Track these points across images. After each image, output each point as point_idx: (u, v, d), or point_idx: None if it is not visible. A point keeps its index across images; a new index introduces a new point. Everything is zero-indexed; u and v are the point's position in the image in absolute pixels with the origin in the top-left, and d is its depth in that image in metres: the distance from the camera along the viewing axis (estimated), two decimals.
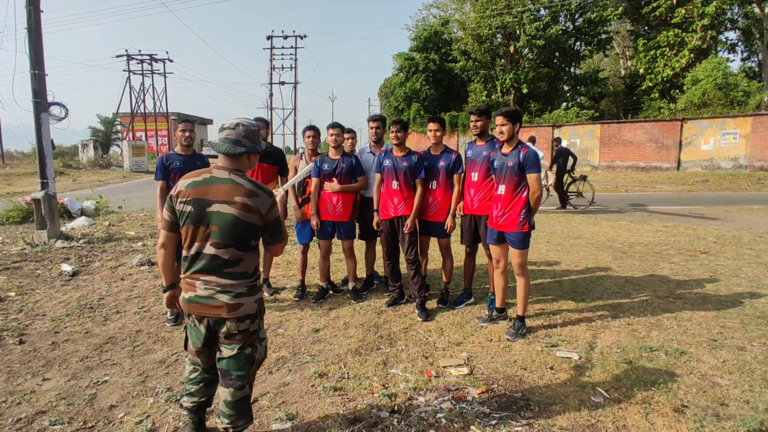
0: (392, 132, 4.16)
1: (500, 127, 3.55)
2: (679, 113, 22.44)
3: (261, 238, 2.23)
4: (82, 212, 10.10)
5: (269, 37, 37.88)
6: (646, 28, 28.35)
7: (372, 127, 4.61)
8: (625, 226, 8.69)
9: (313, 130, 4.56)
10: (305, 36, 38.01)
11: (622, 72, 34.45)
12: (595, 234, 7.93)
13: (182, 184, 2.14)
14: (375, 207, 4.35)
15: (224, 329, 2.12)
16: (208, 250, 2.09)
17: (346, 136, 5.05)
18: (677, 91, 24.70)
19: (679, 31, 24.67)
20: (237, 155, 2.15)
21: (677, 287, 4.93)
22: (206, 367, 2.31)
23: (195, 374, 2.34)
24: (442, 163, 4.20)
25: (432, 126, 4.18)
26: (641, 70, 27.07)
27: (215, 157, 2.20)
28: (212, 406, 2.55)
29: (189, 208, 2.09)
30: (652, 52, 26.02)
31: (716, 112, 20.98)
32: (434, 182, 4.21)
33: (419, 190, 4.15)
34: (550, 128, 24.61)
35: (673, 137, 20.98)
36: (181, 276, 2.20)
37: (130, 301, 4.74)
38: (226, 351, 2.15)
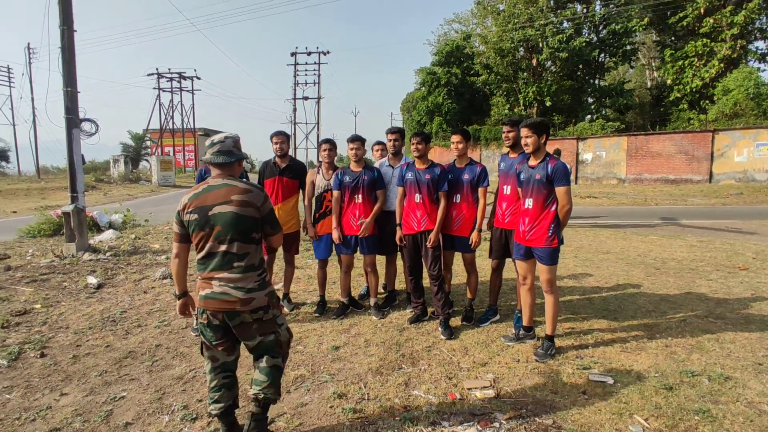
0: (413, 144, 4.07)
1: (525, 138, 3.42)
2: (709, 124, 21.77)
3: (263, 231, 2.46)
4: (110, 225, 10.32)
5: (293, 54, 38.69)
6: (672, 38, 27.83)
7: (390, 140, 4.55)
8: (657, 241, 8.35)
9: (329, 143, 4.52)
10: (328, 52, 38.72)
11: (649, 83, 33.79)
12: (624, 249, 7.63)
13: (185, 198, 2.39)
14: (398, 221, 4.25)
15: (238, 321, 2.33)
16: (216, 248, 2.33)
17: (375, 147, 5.09)
18: (707, 101, 24.04)
19: (708, 40, 24.09)
20: (229, 164, 2.44)
21: (717, 306, 4.65)
22: (228, 360, 2.47)
23: (215, 381, 2.45)
24: (466, 176, 4.08)
25: (455, 138, 4.09)
26: (669, 81, 26.49)
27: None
28: (240, 407, 2.64)
29: (194, 216, 2.33)
30: (680, 63, 25.45)
31: (749, 122, 20.28)
32: (458, 195, 4.09)
33: (442, 203, 4.03)
34: (574, 141, 24.20)
35: (704, 149, 20.32)
36: (199, 278, 2.41)
37: (152, 315, 4.74)
38: (250, 344, 2.40)
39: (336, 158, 4.77)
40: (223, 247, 2.31)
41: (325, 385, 3.17)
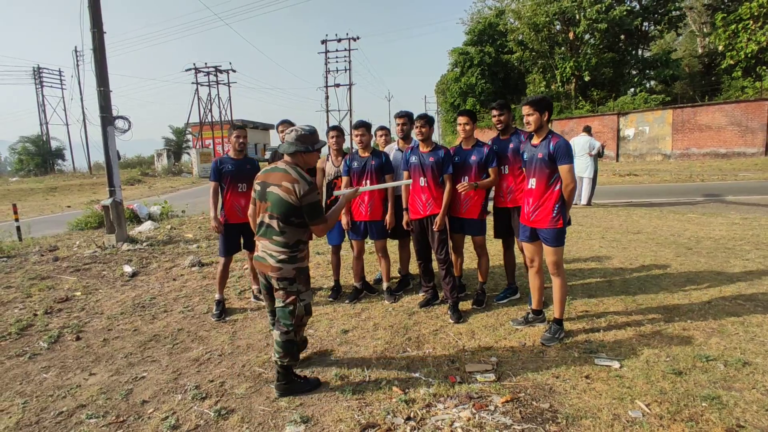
0: (417, 127, 4.04)
1: (527, 117, 3.32)
2: (765, 92, 20.16)
3: (304, 218, 2.84)
4: (150, 217, 10.87)
5: (323, 41, 38.77)
6: (725, 0, 25.74)
7: (399, 124, 4.53)
8: (695, 219, 7.91)
9: (336, 130, 4.57)
10: (358, 38, 38.51)
11: (699, 51, 31.53)
12: (657, 228, 7.28)
13: (262, 171, 3.00)
14: (404, 205, 4.26)
15: (272, 283, 2.89)
16: (265, 219, 2.87)
17: (378, 133, 5.04)
18: (764, 67, 22.20)
19: (765, 0, 22.13)
20: (291, 153, 2.91)
21: (749, 287, 4.38)
22: (271, 309, 3.14)
23: (269, 319, 3.30)
24: (473, 158, 4.02)
25: (462, 120, 4.02)
26: (721, 47, 24.64)
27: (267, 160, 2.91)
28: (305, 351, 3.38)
29: (258, 187, 2.93)
30: (733, 27, 23.56)
31: None
32: (465, 178, 4.03)
33: (448, 186, 3.99)
34: (615, 116, 23.10)
35: (760, 119, 18.87)
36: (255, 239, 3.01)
37: (178, 301, 4.99)
38: (277, 302, 2.92)
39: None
40: (268, 220, 2.84)
41: (329, 368, 3.26)
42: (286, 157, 2.93)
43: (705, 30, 29.74)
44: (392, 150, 4.65)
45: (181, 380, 3.24)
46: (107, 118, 7.85)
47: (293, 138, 2.90)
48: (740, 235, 6.51)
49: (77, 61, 34.55)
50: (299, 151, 2.89)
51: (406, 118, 4.50)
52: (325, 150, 4.14)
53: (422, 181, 4.06)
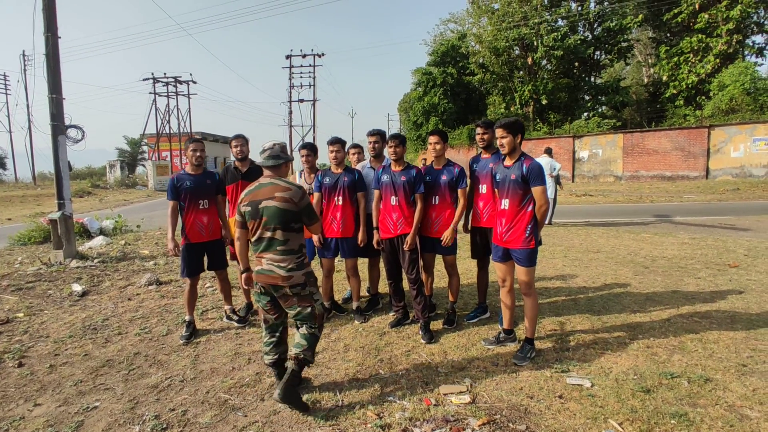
0: (391, 147, 4.03)
1: (501, 139, 3.38)
2: (705, 120, 21.71)
3: (302, 222, 3.02)
4: (101, 231, 10.28)
5: (288, 56, 38.63)
6: (668, 34, 27.76)
7: (371, 142, 4.52)
8: (649, 239, 8.30)
9: (307, 148, 4.51)
10: (323, 54, 38.63)
11: (645, 80, 33.71)
12: (615, 247, 7.58)
13: (243, 194, 3.04)
14: (374, 224, 4.22)
15: (281, 293, 2.95)
16: (264, 234, 2.94)
17: (352, 151, 5.01)
18: (703, 97, 23.98)
19: (703, 36, 24.03)
20: (277, 166, 3.04)
21: (703, 305, 4.60)
22: (276, 323, 3.13)
23: (267, 338, 3.15)
24: (444, 178, 4.05)
25: (433, 139, 4.05)
26: (664, 78, 26.42)
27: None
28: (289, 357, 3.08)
29: (248, 208, 2.97)
30: (675, 59, 25.40)
31: (745, 117, 20.20)
32: (436, 197, 4.06)
33: (419, 205, 3.99)
34: (570, 139, 24.15)
35: (701, 145, 20.27)
36: (254, 257, 3.04)
37: (134, 322, 4.70)
38: (291, 312, 3.02)
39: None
40: (269, 234, 2.93)
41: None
42: (268, 171, 3.05)
43: (650, 61, 31.90)
44: (364, 168, 4.62)
45: (138, 410, 3.01)
46: (59, 127, 7.42)
47: (278, 151, 3.07)
48: (690, 255, 6.87)
49: (24, 65, 32.84)
50: (285, 161, 3.06)
51: (378, 136, 4.49)
52: (296, 166, 4.07)
53: (393, 200, 4.04)
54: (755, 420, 2.62)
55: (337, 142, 4.32)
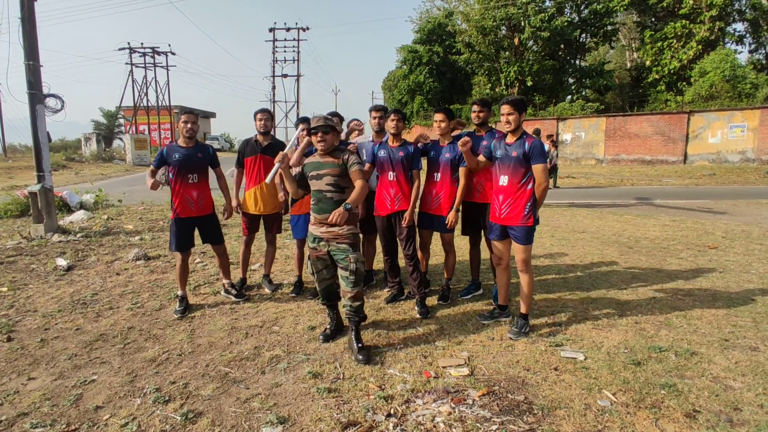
0: (392, 121, 4.01)
1: (507, 116, 3.39)
2: (686, 106, 22.13)
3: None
4: (81, 206, 10.00)
5: (272, 30, 37.62)
6: (653, 19, 27.94)
7: (375, 117, 4.45)
8: (631, 221, 8.52)
9: (306, 122, 4.43)
10: (308, 28, 37.75)
11: (629, 64, 34.01)
12: (600, 228, 7.76)
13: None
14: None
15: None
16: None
17: (352, 124, 4.96)
18: (684, 83, 24.37)
19: (687, 22, 24.29)
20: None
21: (686, 283, 4.78)
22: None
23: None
24: (447, 155, 4.04)
25: (438, 117, 4.04)
26: (648, 62, 26.72)
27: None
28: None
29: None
30: (659, 44, 25.65)
31: (724, 104, 20.68)
32: (437, 174, 4.06)
33: (417, 182, 4.00)
34: (554, 121, 24.34)
35: (680, 130, 20.70)
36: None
37: (124, 297, 4.63)
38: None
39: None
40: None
41: (300, 365, 3.16)
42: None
43: (634, 45, 32.14)
44: (366, 143, 4.57)
45: (138, 383, 2.99)
46: (37, 96, 7.11)
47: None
48: (671, 236, 7.09)
49: None
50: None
51: (382, 111, 4.43)
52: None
53: (391, 175, 4.03)
54: (738, 390, 2.77)
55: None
